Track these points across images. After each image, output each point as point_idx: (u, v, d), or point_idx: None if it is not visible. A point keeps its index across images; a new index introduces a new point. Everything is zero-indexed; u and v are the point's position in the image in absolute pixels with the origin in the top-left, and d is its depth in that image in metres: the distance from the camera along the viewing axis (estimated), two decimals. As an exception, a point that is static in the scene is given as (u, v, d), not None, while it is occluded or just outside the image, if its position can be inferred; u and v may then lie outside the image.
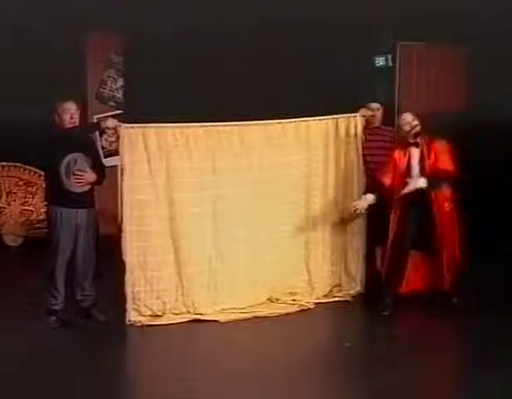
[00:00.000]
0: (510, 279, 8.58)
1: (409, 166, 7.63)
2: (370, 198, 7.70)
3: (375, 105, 8.54)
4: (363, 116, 8.18)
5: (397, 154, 7.71)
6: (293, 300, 7.93)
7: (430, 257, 7.72)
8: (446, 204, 7.67)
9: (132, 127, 7.28)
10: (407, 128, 7.66)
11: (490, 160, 9.93)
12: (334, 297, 8.12)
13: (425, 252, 7.74)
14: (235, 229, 7.63)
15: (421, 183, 7.57)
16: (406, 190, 7.58)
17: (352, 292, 8.18)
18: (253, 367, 6.44)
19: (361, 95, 9.30)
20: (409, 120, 7.70)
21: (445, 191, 7.68)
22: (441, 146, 7.67)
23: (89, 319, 7.33)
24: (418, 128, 7.65)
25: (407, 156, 7.66)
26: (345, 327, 7.48)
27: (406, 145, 7.69)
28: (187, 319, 7.43)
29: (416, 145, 7.65)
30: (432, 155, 7.61)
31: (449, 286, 7.68)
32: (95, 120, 10.38)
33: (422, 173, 7.59)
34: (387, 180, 7.67)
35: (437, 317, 7.51)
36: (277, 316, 7.60)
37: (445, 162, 7.60)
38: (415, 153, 7.65)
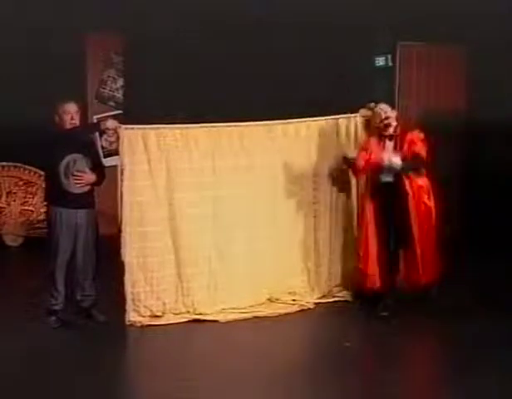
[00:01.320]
0: (508, 279, 8.60)
1: (380, 161, 7.50)
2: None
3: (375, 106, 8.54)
4: (363, 116, 8.17)
5: (372, 141, 7.64)
6: (293, 300, 7.93)
7: (407, 250, 7.68)
8: (425, 197, 7.62)
9: (132, 128, 7.28)
10: (377, 120, 7.62)
11: (490, 159, 9.95)
12: (334, 297, 8.12)
13: (401, 246, 7.67)
14: (235, 229, 7.63)
15: (395, 160, 7.45)
16: (383, 164, 7.46)
17: (352, 292, 8.17)
18: (253, 367, 6.44)
19: (361, 95, 9.30)
20: (384, 110, 7.64)
21: (423, 182, 7.63)
22: (414, 136, 7.60)
23: (89, 319, 7.32)
24: (390, 120, 7.56)
25: (381, 147, 7.57)
26: (345, 327, 7.47)
27: (380, 137, 7.62)
28: (187, 319, 7.43)
29: (390, 137, 7.58)
30: (405, 146, 7.54)
31: (425, 279, 7.63)
32: (95, 121, 10.41)
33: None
34: (360, 162, 7.58)
35: (437, 318, 7.51)
36: (277, 316, 7.60)
37: (417, 149, 7.54)
38: (388, 145, 7.58)
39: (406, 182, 7.54)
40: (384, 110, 7.67)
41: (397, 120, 7.68)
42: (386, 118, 7.59)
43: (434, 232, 7.72)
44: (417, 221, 7.58)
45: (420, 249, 7.59)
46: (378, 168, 7.51)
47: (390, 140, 7.58)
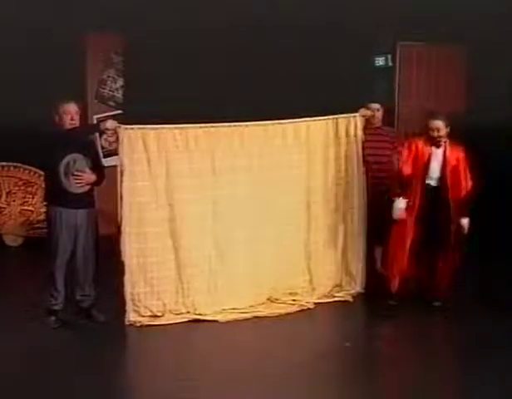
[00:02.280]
0: (508, 279, 8.60)
1: (428, 164, 7.63)
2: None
3: (375, 106, 8.54)
4: (363, 116, 8.18)
5: (420, 145, 7.67)
6: (293, 300, 7.93)
7: (440, 257, 7.76)
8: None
9: (132, 128, 7.27)
10: (434, 134, 7.61)
11: (490, 159, 9.93)
12: (334, 297, 8.12)
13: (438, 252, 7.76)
14: (235, 229, 7.63)
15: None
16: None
17: (352, 292, 8.18)
18: (253, 367, 6.44)
19: (361, 95, 9.30)
20: (437, 126, 7.61)
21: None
22: (462, 154, 7.68)
23: (89, 319, 7.33)
24: (443, 139, 7.62)
25: (427, 154, 7.63)
26: (345, 327, 7.48)
27: (428, 142, 7.66)
28: (187, 319, 7.43)
29: (438, 145, 7.64)
30: (453, 161, 7.63)
31: (443, 289, 7.76)
32: (95, 121, 10.41)
33: (442, 175, 7.62)
34: (407, 169, 7.64)
35: (437, 318, 7.51)
36: (277, 316, 7.60)
37: (467, 178, 7.65)
38: (438, 154, 7.66)
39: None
40: (436, 125, 7.61)
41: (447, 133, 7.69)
42: (442, 136, 7.59)
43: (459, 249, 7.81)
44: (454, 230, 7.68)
45: (451, 258, 7.71)
46: (424, 172, 7.61)
47: (437, 147, 7.64)
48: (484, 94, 10.07)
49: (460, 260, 7.77)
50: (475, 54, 10.44)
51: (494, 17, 9.36)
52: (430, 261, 7.77)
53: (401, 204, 7.63)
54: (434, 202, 7.64)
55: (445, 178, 7.64)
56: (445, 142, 7.67)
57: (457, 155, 7.69)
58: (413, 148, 7.68)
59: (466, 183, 7.69)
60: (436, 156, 7.66)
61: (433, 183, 7.69)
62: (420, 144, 7.67)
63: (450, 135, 7.70)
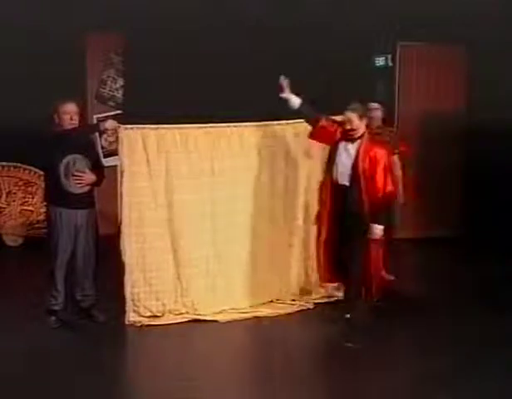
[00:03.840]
0: (508, 279, 8.60)
1: (337, 155, 7.16)
2: None
3: (375, 105, 8.54)
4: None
5: (335, 128, 7.25)
6: (293, 300, 7.93)
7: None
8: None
9: (131, 128, 7.27)
10: (347, 126, 7.14)
11: (490, 159, 9.94)
12: (333, 297, 8.11)
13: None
14: (234, 229, 7.63)
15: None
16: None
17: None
18: (253, 367, 6.44)
19: (361, 95, 9.29)
20: (349, 118, 7.15)
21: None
22: (383, 153, 7.12)
23: (89, 319, 7.33)
24: (356, 133, 7.13)
25: (340, 143, 7.16)
26: (345, 327, 7.47)
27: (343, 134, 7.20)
28: (187, 319, 7.43)
29: (351, 140, 7.13)
30: (368, 159, 7.06)
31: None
32: (95, 121, 10.40)
33: (353, 173, 7.07)
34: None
35: (437, 318, 7.51)
36: (277, 316, 7.60)
37: (386, 181, 7.05)
38: (350, 150, 7.13)
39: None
40: (348, 117, 7.17)
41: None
42: (351, 127, 7.12)
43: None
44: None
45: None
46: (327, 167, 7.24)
47: (352, 142, 7.17)
48: (484, 94, 10.07)
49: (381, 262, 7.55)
50: (475, 54, 10.44)
51: (494, 17, 9.36)
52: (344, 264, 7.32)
53: None
54: (344, 202, 7.13)
55: (357, 176, 7.04)
56: (361, 137, 7.14)
57: (375, 153, 7.06)
58: (333, 129, 7.20)
59: (384, 186, 7.03)
60: (348, 152, 7.14)
61: (344, 181, 7.15)
62: (336, 133, 7.18)
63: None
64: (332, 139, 7.32)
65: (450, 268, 9.31)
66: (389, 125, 9.24)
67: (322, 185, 7.44)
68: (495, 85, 9.78)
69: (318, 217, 7.51)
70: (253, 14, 9.65)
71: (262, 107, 8.41)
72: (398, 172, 8.72)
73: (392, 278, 8.62)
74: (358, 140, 7.14)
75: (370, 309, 7.32)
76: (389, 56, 10.69)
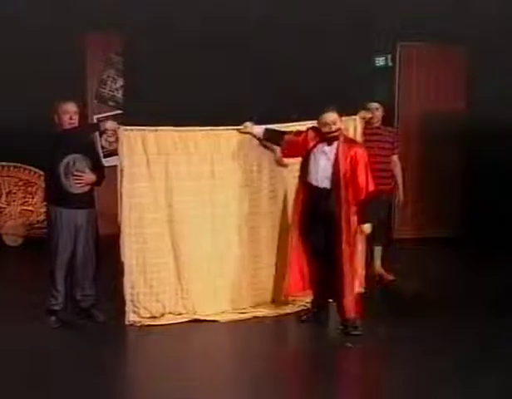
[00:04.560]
0: (508, 280, 8.60)
1: (312, 160, 7.03)
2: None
3: (375, 105, 8.55)
4: (363, 119, 8.09)
5: (310, 135, 7.10)
6: (293, 300, 7.92)
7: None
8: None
9: (131, 130, 7.26)
10: (326, 129, 6.98)
11: (490, 159, 9.95)
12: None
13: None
14: (234, 231, 7.61)
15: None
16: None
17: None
18: (253, 367, 6.44)
19: (361, 95, 9.30)
20: (329, 120, 6.99)
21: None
22: (360, 151, 7.00)
23: (89, 319, 7.32)
24: (335, 134, 6.98)
25: (315, 149, 7.03)
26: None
27: (320, 136, 7.04)
28: (186, 319, 7.43)
29: (329, 142, 6.99)
30: (348, 160, 6.93)
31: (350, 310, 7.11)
32: (95, 121, 10.41)
33: (334, 175, 6.94)
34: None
35: (437, 318, 7.51)
36: (277, 316, 7.60)
37: (367, 179, 6.93)
38: (328, 153, 7.00)
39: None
40: (326, 120, 7.01)
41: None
42: (333, 131, 6.97)
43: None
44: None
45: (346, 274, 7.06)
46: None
47: (329, 145, 7.03)
48: (484, 94, 10.08)
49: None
50: (475, 54, 10.45)
51: (494, 17, 9.36)
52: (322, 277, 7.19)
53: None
54: (326, 205, 6.98)
55: (338, 178, 6.93)
56: (337, 138, 6.99)
57: (355, 152, 6.95)
58: (301, 139, 7.09)
59: (366, 184, 6.94)
60: (326, 155, 7.00)
61: (324, 184, 7.00)
62: (313, 139, 7.05)
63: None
64: (303, 148, 7.17)
65: (450, 268, 9.31)
66: (389, 125, 9.25)
67: (296, 192, 7.34)
68: (495, 85, 9.79)
69: (292, 223, 7.41)
70: (253, 15, 9.65)
71: (262, 108, 8.43)
72: (398, 172, 8.75)
73: (392, 278, 8.64)
74: (336, 142, 7.02)
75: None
76: (389, 56, 10.70)
